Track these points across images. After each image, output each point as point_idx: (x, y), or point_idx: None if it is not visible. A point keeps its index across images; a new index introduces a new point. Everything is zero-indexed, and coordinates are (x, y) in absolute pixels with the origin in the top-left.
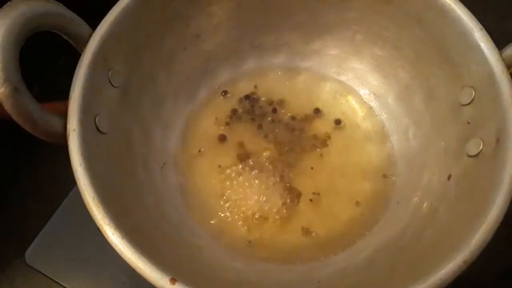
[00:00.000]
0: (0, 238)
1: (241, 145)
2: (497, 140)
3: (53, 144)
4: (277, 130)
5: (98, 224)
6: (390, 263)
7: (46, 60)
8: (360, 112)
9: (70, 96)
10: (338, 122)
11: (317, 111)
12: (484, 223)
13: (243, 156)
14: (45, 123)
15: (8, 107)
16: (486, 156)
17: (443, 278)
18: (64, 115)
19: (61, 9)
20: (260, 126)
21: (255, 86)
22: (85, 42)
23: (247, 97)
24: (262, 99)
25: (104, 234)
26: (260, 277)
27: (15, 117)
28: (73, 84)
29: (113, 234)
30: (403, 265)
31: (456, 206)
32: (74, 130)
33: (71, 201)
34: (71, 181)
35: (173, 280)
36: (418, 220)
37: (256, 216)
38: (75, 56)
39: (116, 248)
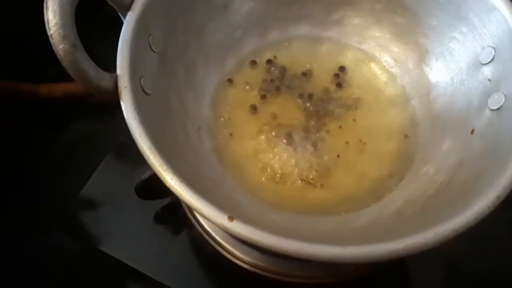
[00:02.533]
0: (37, 205)
1: (270, 112)
2: None
3: (104, 101)
4: (303, 97)
5: (156, 171)
6: (422, 210)
7: None
8: (382, 78)
9: (118, 56)
10: (361, 88)
11: (341, 79)
12: None
13: (273, 121)
14: (99, 80)
15: (66, 63)
16: (509, 108)
17: (478, 212)
18: (114, 74)
19: None
20: (286, 94)
21: (278, 56)
22: (127, 8)
23: (272, 66)
24: (287, 67)
25: (163, 180)
26: (299, 226)
27: (72, 73)
28: (120, 45)
29: (172, 179)
30: (434, 210)
31: (482, 156)
32: (125, 87)
33: (106, 168)
34: (101, 153)
35: (231, 218)
36: (444, 172)
37: (289, 175)
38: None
39: (176, 191)
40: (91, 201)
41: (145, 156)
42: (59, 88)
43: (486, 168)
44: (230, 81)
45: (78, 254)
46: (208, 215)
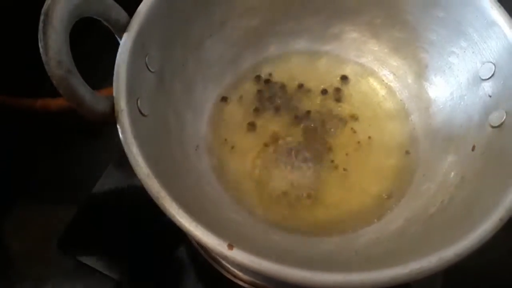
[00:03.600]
0: (32, 226)
1: (269, 129)
2: None
3: (100, 124)
4: (302, 113)
5: (154, 198)
6: (424, 229)
7: None
8: (381, 92)
9: (114, 79)
10: (360, 103)
11: (340, 93)
12: None
13: (272, 138)
14: (95, 104)
15: (61, 89)
16: (510, 125)
17: (482, 235)
18: (110, 97)
19: None
20: (285, 110)
21: (277, 72)
22: (123, 29)
23: (271, 82)
24: (286, 83)
25: (161, 207)
26: (300, 248)
27: (67, 98)
28: (116, 68)
29: (170, 207)
30: (436, 230)
31: (484, 174)
32: (122, 110)
33: (100, 187)
34: (99, 169)
35: (230, 246)
36: (446, 189)
37: (288, 193)
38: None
39: (174, 219)
40: (88, 218)
41: (143, 182)
42: (55, 103)
43: (488, 187)
44: (224, 99)
45: (70, 270)
46: (207, 243)
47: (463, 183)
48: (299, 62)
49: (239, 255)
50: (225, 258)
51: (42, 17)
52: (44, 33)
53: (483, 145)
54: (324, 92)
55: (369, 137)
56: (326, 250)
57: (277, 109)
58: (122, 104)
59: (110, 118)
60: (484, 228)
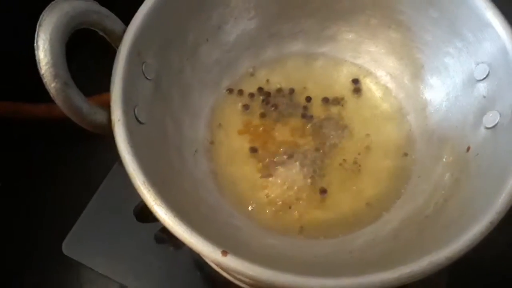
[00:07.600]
0: (37, 230)
1: (265, 131)
2: None
3: (97, 134)
4: (299, 117)
5: (149, 206)
6: (418, 231)
7: None
8: (377, 93)
9: (111, 89)
10: (357, 104)
11: (336, 95)
12: (508, 187)
13: (269, 142)
14: (92, 115)
15: (59, 101)
16: (503, 127)
17: (472, 239)
18: (107, 107)
19: (98, 6)
20: (282, 113)
21: (274, 75)
22: (119, 38)
23: (269, 86)
24: (283, 87)
25: (157, 215)
26: (296, 252)
27: (65, 110)
28: (112, 77)
29: (166, 214)
30: (430, 232)
31: (477, 175)
32: (119, 120)
33: (105, 190)
34: (103, 172)
35: (224, 253)
36: (441, 191)
37: (286, 197)
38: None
39: (169, 227)
40: (91, 224)
41: (138, 191)
42: (58, 108)
43: (482, 189)
44: (221, 103)
45: (74, 274)
46: (201, 250)
47: (457, 185)
48: (295, 65)
49: (232, 261)
50: (219, 264)
51: (37, 30)
52: (39, 46)
53: (477, 147)
54: (320, 94)
55: (367, 139)
56: (322, 253)
57: (274, 113)
58: (118, 114)
59: (108, 129)
60: (474, 232)
